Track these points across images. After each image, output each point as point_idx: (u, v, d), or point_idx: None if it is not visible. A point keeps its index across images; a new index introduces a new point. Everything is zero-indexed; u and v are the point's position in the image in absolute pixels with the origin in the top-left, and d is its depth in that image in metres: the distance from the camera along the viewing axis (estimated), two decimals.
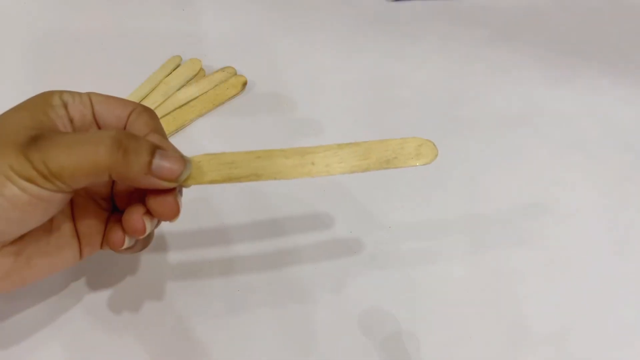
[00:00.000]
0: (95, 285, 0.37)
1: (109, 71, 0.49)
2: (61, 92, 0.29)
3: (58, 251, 0.30)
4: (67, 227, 0.30)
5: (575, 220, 0.42)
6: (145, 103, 0.46)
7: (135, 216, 0.28)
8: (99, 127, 0.30)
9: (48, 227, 0.29)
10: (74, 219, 0.31)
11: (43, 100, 0.28)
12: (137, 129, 0.30)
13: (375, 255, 0.40)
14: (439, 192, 0.43)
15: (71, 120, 0.29)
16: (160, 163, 0.27)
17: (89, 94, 0.30)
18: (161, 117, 0.46)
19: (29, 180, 0.25)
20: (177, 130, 0.46)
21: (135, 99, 0.46)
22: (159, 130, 0.30)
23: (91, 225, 0.31)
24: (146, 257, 0.39)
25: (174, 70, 0.48)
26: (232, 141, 0.45)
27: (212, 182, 0.29)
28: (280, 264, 0.39)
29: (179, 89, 0.47)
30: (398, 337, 0.36)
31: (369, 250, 0.40)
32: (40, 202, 0.26)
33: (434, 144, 0.31)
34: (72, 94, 0.29)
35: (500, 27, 0.55)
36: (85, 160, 0.25)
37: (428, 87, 0.50)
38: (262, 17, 0.55)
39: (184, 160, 0.28)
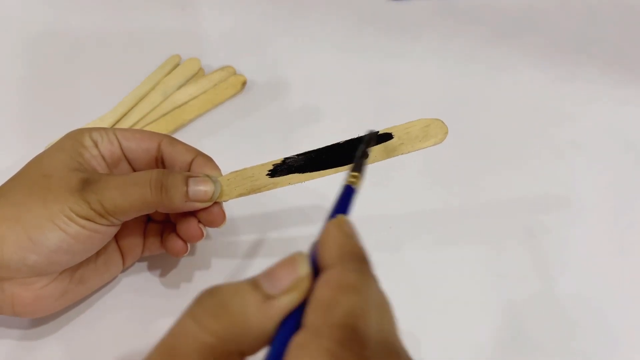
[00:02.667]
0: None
1: (108, 70, 0.49)
2: (90, 132, 0.33)
3: (105, 266, 0.34)
4: (111, 245, 0.34)
5: (576, 220, 0.42)
6: (145, 103, 0.46)
7: (192, 226, 0.33)
8: (128, 161, 0.34)
9: None
10: (115, 237, 0.34)
11: (76, 141, 0.32)
12: (181, 157, 0.34)
13: (376, 256, 0.40)
14: (440, 192, 0.43)
15: (103, 158, 0.33)
16: (195, 189, 0.31)
17: (114, 131, 0.33)
18: (160, 117, 0.45)
19: (88, 218, 0.29)
20: (176, 130, 0.45)
21: (134, 98, 0.46)
22: (199, 152, 0.34)
23: (131, 239, 0.35)
24: (151, 259, 0.39)
25: (173, 69, 0.48)
26: (231, 141, 0.45)
27: (240, 195, 0.33)
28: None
29: (178, 89, 0.47)
30: None
31: (369, 251, 0.40)
32: (97, 235, 0.30)
33: (442, 122, 0.30)
34: (99, 132, 0.33)
35: (500, 26, 0.55)
36: (135, 199, 0.30)
37: (428, 86, 0.50)
38: (262, 16, 0.54)
39: (212, 182, 0.32)
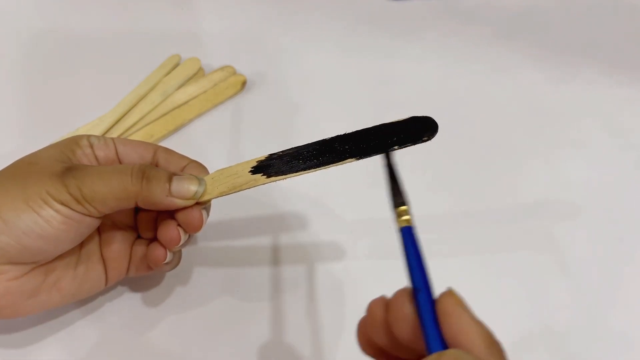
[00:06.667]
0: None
1: (108, 70, 0.49)
2: (88, 136, 0.33)
3: (85, 276, 0.33)
4: (94, 254, 0.33)
5: (576, 220, 0.42)
6: (144, 102, 0.46)
7: (170, 227, 0.32)
8: (121, 163, 0.34)
9: (77, 252, 0.32)
10: (100, 247, 0.34)
11: (72, 141, 0.32)
12: (176, 163, 0.33)
13: (376, 256, 0.40)
14: (439, 192, 0.43)
15: (96, 158, 0.33)
16: (179, 185, 0.31)
17: (112, 138, 0.33)
18: (160, 117, 0.46)
19: (63, 203, 0.29)
20: (176, 130, 0.45)
21: (134, 98, 0.46)
22: (193, 160, 0.34)
23: (117, 252, 0.34)
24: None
25: (172, 69, 0.48)
26: (231, 141, 0.45)
27: (221, 193, 0.32)
28: (280, 265, 0.39)
29: (178, 89, 0.47)
30: None
31: (369, 251, 0.40)
32: (72, 223, 0.29)
33: (433, 120, 0.32)
34: (97, 137, 0.33)
35: (500, 26, 0.55)
36: (115, 187, 0.29)
37: (428, 86, 0.50)
38: (262, 15, 0.54)
39: (197, 180, 0.31)
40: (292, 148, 0.32)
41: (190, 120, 0.46)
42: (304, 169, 0.32)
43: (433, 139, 0.33)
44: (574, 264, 0.40)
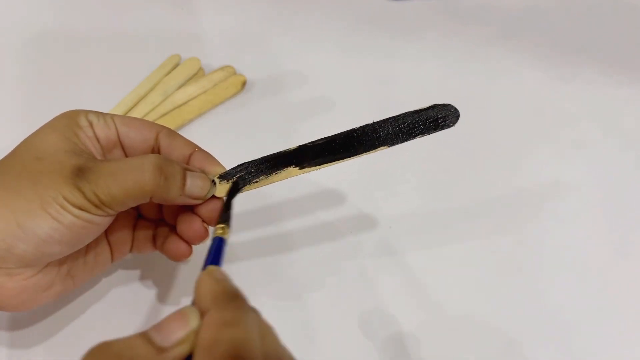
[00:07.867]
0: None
1: (108, 70, 0.49)
2: (87, 112, 0.31)
3: (94, 261, 0.33)
4: (101, 239, 0.33)
5: (577, 220, 0.42)
6: (144, 103, 0.46)
7: (196, 225, 0.32)
8: (123, 147, 0.33)
9: None
10: (105, 231, 0.33)
11: (71, 120, 0.31)
12: (179, 150, 0.32)
13: (376, 255, 0.40)
14: (439, 192, 0.43)
15: (98, 140, 0.31)
16: (192, 183, 0.30)
17: (112, 116, 0.32)
18: (160, 117, 0.46)
19: (82, 208, 0.28)
20: (176, 130, 0.45)
21: (134, 98, 0.46)
22: (198, 147, 0.33)
23: (121, 232, 0.34)
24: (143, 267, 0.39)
25: (173, 69, 0.48)
26: (231, 141, 0.45)
27: (251, 187, 0.32)
28: (280, 265, 0.39)
29: (178, 89, 0.47)
30: (399, 337, 0.36)
31: (369, 251, 0.40)
32: (92, 226, 0.29)
33: (455, 108, 0.33)
34: (96, 114, 0.32)
35: (500, 26, 0.55)
36: (131, 187, 0.28)
37: (428, 86, 0.50)
38: (262, 15, 0.54)
39: (208, 180, 0.31)
40: (322, 138, 0.32)
41: (190, 120, 0.46)
42: (337, 159, 0.32)
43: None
44: (574, 265, 0.40)
